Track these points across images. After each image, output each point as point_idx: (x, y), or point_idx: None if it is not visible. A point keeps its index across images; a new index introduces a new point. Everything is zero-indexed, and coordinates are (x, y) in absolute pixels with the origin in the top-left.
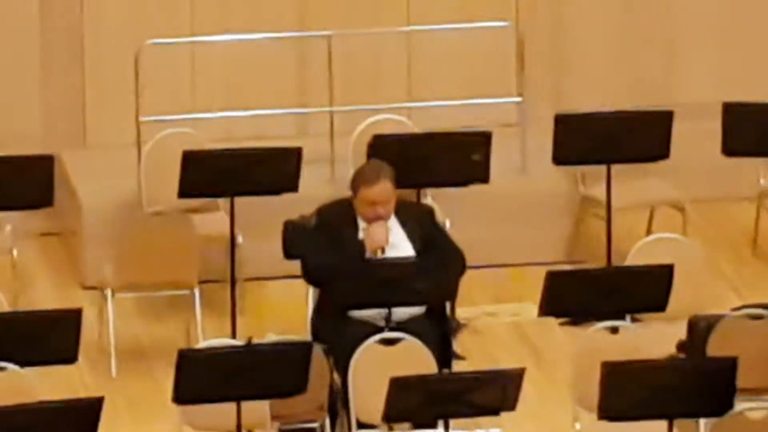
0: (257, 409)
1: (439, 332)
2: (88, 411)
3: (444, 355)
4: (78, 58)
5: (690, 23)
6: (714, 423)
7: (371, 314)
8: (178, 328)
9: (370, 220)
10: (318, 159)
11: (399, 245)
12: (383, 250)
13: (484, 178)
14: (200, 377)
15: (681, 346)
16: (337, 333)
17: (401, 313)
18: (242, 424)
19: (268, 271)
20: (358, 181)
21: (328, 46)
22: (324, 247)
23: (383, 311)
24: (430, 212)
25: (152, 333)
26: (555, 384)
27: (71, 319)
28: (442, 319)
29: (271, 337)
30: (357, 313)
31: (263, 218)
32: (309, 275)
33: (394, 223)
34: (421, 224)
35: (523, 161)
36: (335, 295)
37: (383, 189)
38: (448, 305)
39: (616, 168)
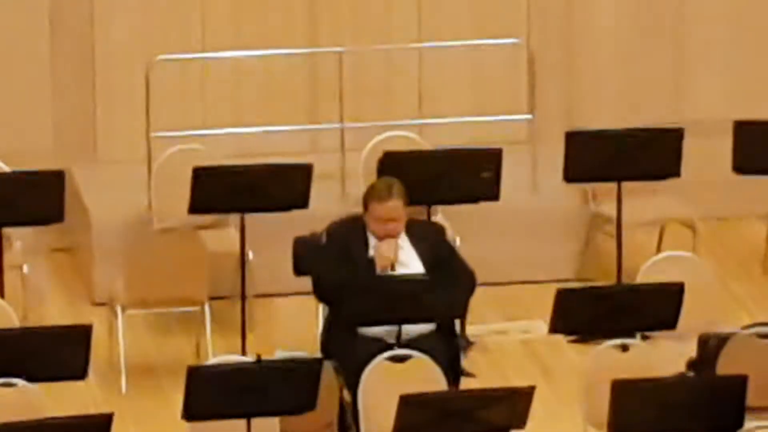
0: (267, 426)
1: (448, 350)
2: (97, 427)
3: (454, 372)
4: (89, 74)
5: (700, 41)
6: None
7: (381, 331)
8: (187, 344)
9: (380, 238)
10: (328, 175)
11: (409, 263)
12: (393, 267)
13: (494, 196)
14: (210, 394)
15: (691, 364)
16: (347, 350)
17: (411, 330)
18: None
19: (278, 288)
20: (369, 197)
21: (339, 62)
22: (334, 264)
23: (393, 328)
24: (441, 231)
25: (162, 349)
26: (565, 402)
27: (81, 335)
28: (452, 336)
29: (280, 354)
30: (367, 330)
31: (273, 235)
32: (319, 292)
33: (404, 241)
34: (432, 243)
35: (533, 178)
36: (345, 311)
37: (394, 206)
38: (458, 323)
39: (626, 185)
